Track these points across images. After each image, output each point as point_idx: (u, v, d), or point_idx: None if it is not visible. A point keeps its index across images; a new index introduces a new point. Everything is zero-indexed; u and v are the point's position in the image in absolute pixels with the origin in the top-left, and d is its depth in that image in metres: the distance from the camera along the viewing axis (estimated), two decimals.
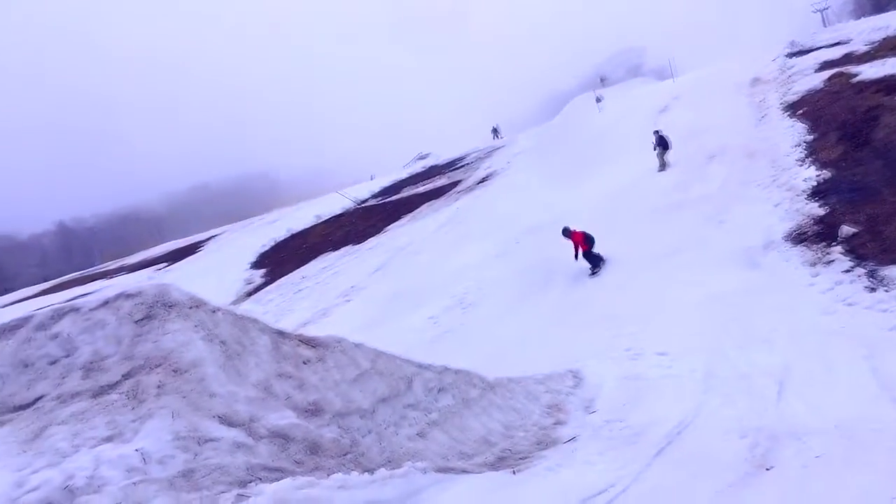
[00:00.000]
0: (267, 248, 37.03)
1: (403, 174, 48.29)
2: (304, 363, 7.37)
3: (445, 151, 51.90)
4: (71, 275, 59.39)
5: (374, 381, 7.86)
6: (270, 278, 31.16)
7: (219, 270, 34.07)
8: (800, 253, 13.90)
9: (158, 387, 6.12)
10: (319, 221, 38.69)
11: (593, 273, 17.05)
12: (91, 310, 6.91)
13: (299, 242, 35.85)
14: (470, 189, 33.93)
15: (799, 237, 14.50)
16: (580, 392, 10.15)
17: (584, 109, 41.29)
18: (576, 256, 17.35)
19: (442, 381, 8.81)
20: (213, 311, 7.08)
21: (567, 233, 17.63)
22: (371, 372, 7.90)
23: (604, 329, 13.30)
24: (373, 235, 31.79)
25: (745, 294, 12.98)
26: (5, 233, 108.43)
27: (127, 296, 6.96)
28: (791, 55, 30.02)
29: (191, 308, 6.94)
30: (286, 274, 30.52)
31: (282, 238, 38.04)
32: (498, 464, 7.67)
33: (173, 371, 6.29)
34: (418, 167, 49.72)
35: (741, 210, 17.07)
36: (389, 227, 32.34)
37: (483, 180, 34.92)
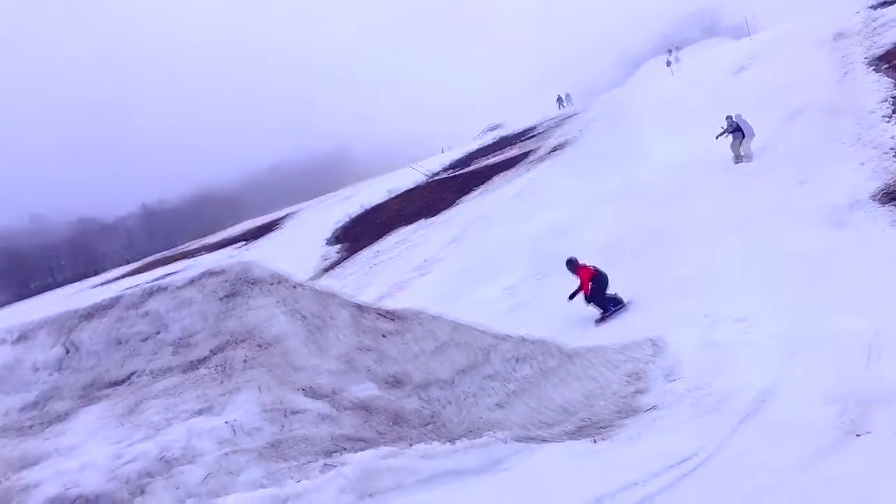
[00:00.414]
0: (342, 223, 37.60)
1: (474, 146, 48.18)
2: (384, 336, 7.50)
3: (516, 121, 51.53)
4: (155, 255, 61.48)
5: (453, 352, 7.95)
6: (346, 254, 31.65)
7: (296, 247, 34.80)
8: (888, 213, 13.36)
9: (245, 361, 6.34)
10: (392, 196, 39.01)
11: (602, 319, 13.67)
12: (178, 288, 7.18)
13: (373, 217, 36.24)
14: (542, 158, 33.61)
15: (887, 196, 13.93)
16: (660, 360, 10.02)
17: (656, 73, 40.35)
18: (571, 296, 13.97)
19: (519, 352, 8.84)
20: (294, 287, 7.27)
21: (573, 266, 14.19)
22: (449, 343, 7.99)
23: (682, 295, 13.07)
24: (446, 208, 31.88)
25: (829, 255, 12.56)
26: (93, 216, 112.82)
27: (212, 274, 7.20)
28: (876, 6, 28.61)
29: (272, 284, 7.14)
30: (361, 249, 30.94)
31: (356, 213, 38.53)
32: (578, 433, 7.67)
33: (258, 346, 6.50)
34: (489, 138, 49.53)
35: (825, 169, 16.47)
36: (462, 199, 32.36)
37: (555, 149, 34.53)
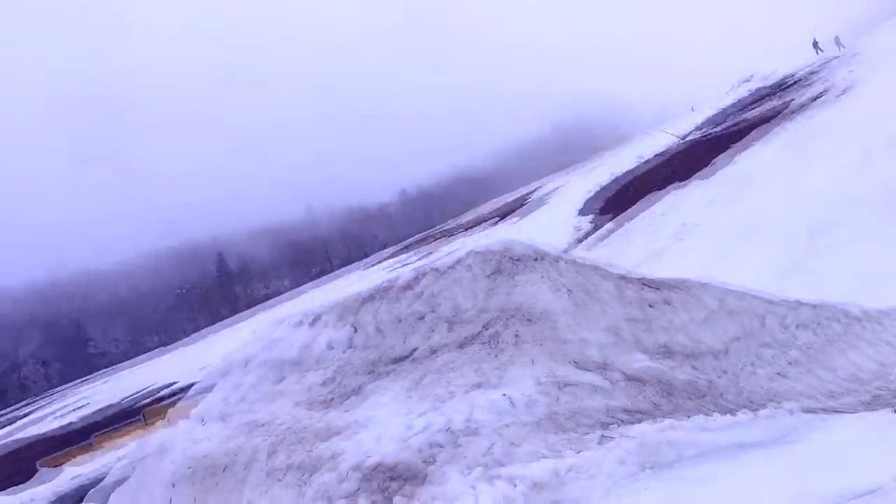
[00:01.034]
0: (592, 193, 37.31)
1: (727, 101, 45.45)
2: (650, 306, 7.34)
3: (771, 70, 47.79)
4: (417, 236, 64.94)
5: (724, 320, 7.59)
6: (599, 223, 31.42)
7: (549, 219, 35.10)
8: None
9: (515, 336, 6.52)
10: (642, 161, 37.95)
11: None
12: (448, 268, 7.53)
13: (625, 185, 35.58)
14: (805, 108, 31.01)
15: None
16: None
17: None
18: None
19: (798, 317, 8.23)
20: (556, 262, 7.33)
21: None
22: (719, 311, 7.63)
23: None
24: (700, 169, 30.49)
25: None
26: (358, 205, 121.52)
27: (476, 253, 7.46)
28: None
29: (535, 260, 7.26)
30: (614, 217, 30.56)
31: (606, 182, 38.01)
32: (874, 402, 7.01)
33: (527, 321, 6.65)
34: (743, 91, 46.42)
35: None
36: (717, 158, 30.76)
37: (819, 96, 31.70)
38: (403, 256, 49.61)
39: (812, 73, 39.11)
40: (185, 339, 71.45)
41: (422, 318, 7.35)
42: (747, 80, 50.13)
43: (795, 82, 39.48)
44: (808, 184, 20.22)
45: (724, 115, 41.23)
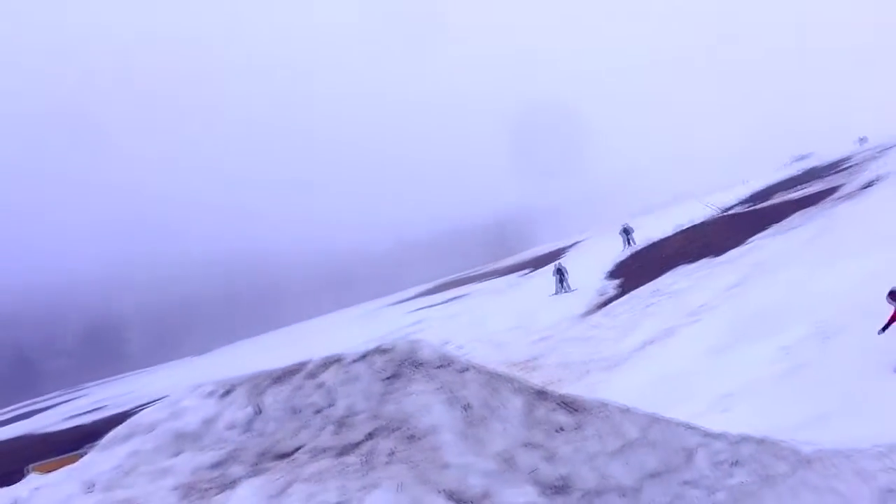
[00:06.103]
0: (624, 257, 36.63)
1: (777, 177, 44.31)
2: (558, 431, 6.75)
3: (828, 152, 46.44)
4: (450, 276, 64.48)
5: (642, 452, 6.92)
6: (623, 290, 30.69)
7: (575, 279, 34.43)
8: None
9: (391, 454, 6.02)
10: (679, 231, 37.07)
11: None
12: (351, 362, 7.09)
13: (656, 252, 34.78)
14: (851, 196, 29.91)
15: None
16: None
17: None
18: (882, 329, 12.39)
19: (737, 454, 7.51)
20: (462, 371, 6.81)
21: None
22: (640, 442, 6.97)
23: None
24: (734, 247, 29.59)
25: None
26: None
27: (381, 351, 7.01)
28: None
29: (438, 367, 6.75)
30: (639, 286, 29.81)
31: (639, 247, 37.28)
32: None
33: (408, 437, 6.16)
34: (795, 169, 45.21)
35: None
36: (753, 237, 29.83)
37: (869, 185, 30.55)
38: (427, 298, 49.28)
39: (867, 159, 37.91)
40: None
41: (319, 411, 6.90)
42: (801, 159, 48.85)
43: (850, 166, 38.32)
44: (831, 280, 19.26)
45: (771, 191, 40.17)
